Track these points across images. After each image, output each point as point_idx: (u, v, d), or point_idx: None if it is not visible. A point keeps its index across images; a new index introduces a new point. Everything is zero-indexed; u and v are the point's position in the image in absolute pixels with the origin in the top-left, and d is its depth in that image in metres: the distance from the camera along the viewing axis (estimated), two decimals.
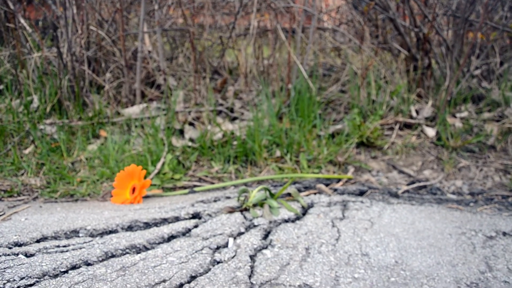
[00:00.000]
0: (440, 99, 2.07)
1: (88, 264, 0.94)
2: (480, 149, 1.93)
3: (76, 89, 1.95)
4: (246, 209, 1.28)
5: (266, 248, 1.06)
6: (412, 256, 1.10)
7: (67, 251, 0.99)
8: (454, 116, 2.12)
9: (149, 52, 2.26)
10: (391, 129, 2.05)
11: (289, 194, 1.44)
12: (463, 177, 1.79)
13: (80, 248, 1.01)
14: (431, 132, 2.01)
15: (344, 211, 1.33)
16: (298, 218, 1.26)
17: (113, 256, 0.99)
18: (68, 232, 1.11)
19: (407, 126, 2.07)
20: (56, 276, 0.89)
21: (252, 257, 1.01)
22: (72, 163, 1.71)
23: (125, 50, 2.03)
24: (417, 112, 2.12)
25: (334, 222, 1.24)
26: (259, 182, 1.65)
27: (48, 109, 1.94)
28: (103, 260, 0.96)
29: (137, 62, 2.02)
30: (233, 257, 0.99)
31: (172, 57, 2.52)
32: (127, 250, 1.01)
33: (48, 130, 1.85)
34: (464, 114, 2.12)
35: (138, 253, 1.01)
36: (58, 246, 1.03)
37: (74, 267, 0.92)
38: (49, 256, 0.96)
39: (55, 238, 1.10)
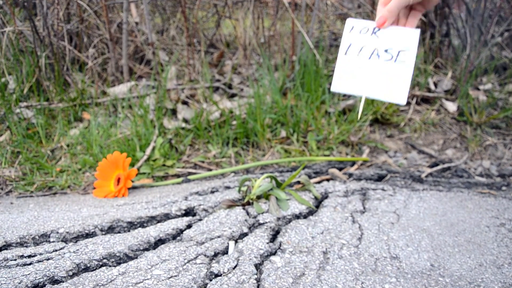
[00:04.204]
0: (460, 70, 1.85)
1: (54, 282, 0.75)
2: (507, 124, 1.74)
3: (56, 67, 1.74)
4: (249, 203, 1.09)
5: (274, 253, 0.87)
6: (449, 257, 0.92)
7: (30, 263, 0.81)
8: (477, 89, 1.91)
9: (137, 24, 2.03)
10: (408, 103, 1.84)
11: (298, 182, 1.25)
12: (490, 156, 1.60)
13: (48, 260, 0.82)
14: (452, 106, 1.80)
15: (364, 202, 1.14)
16: (311, 213, 1.06)
17: (86, 269, 0.80)
18: (37, 237, 0.93)
19: (425, 100, 1.87)
20: None
21: (258, 267, 0.82)
22: (52, 151, 1.52)
23: (110, 22, 1.81)
24: (435, 84, 1.91)
25: (354, 216, 1.04)
26: (263, 167, 1.46)
27: (25, 91, 1.74)
28: (73, 275, 0.78)
29: (123, 35, 1.80)
30: (234, 268, 0.80)
31: (163, 29, 2.29)
32: (104, 261, 0.82)
33: (25, 114, 1.65)
34: (488, 86, 1.91)
35: (117, 264, 0.82)
36: (22, 257, 0.84)
37: (35, 287, 0.73)
38: (8, 271, 0.77)
39: (21, 244, 0.91)
